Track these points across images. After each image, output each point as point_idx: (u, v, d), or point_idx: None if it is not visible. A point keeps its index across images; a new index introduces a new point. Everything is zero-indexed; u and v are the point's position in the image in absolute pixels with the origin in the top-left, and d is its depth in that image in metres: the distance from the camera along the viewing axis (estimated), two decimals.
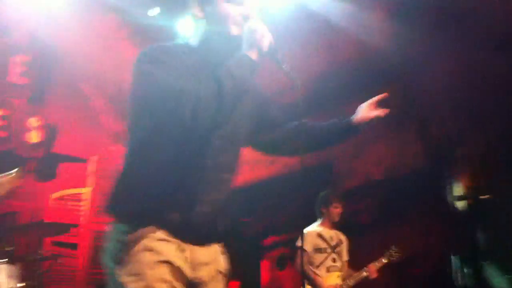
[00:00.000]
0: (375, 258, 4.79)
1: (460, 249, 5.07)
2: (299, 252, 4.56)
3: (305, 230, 4.70)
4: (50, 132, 6.04)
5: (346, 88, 5.95)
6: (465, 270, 4.79)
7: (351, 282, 4.68)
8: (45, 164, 6.00)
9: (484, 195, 4.57)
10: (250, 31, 1.82)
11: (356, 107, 2.32)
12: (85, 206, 6.07)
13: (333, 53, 6.01)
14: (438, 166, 5.81)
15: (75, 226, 5.80)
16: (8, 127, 5.70)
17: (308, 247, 4.64)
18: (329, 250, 4.72)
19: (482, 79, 5.22)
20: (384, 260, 4.78)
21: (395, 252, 4.80)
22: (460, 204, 5.22)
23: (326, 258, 4.68)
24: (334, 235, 4.81)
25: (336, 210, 4.80)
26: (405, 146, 6.04)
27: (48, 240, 5.45)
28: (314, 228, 4.80)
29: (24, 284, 4.29)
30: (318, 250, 4.68)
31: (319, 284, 4.57)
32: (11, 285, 4.27)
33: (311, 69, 5.74)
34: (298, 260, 4.61)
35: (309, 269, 4.61)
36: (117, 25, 6.03)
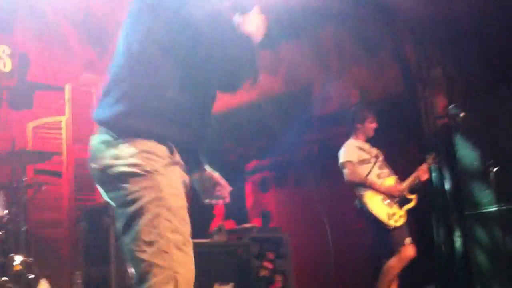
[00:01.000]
0: None
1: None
2: (345, 164, 4.63)
3: (343, 147, 4.75)
4: (22, 60, 5.92)
5: None
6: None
7: (406, 185, 4.69)
8: (20, 93, 5.93)
9: (461, 113, 4.68)
10: None
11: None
12: (64, 134, 6.05)
13: None
14: (413, 88, 5.89)
15: (58, 154, 5.80)
16: None
17: (353, 158, 4.66)
18: (373, 160, 4.72)
19: None
20: (430, 162, 4.83)
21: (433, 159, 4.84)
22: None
23: (372, 166, 4.68)
24: (371, 147, 4.85)
25: (371, 125, 4.81)
26: (381, 69, 6.09)
27: (31, 168, 5.46)
28: (351, 142, 4.80)
29: (7, 211, 4.36)
30: (363, 161, 4.69)
31: (379, 187, 4.59)
32: None
33: None
34: (347, 172, 4.62)
35: (361, 178, 4.61)
36: None
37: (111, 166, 1.74)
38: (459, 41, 5.45)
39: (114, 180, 1.74)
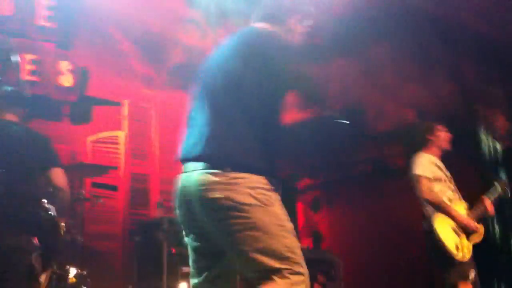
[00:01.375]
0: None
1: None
2: (420, 179, 4.13)
3: (417, 159, 4.25)
4: (82, 76, 6.10)
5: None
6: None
7: (474, 215, 4.19)
8: (80, 108, 6.10)
9: None
10: None
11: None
12: (121, 149, 6.19)
13: None
14: (472, 107, 5.70)
15: (114, 168, 5.93)
16: (39, 72, 5.76)
17: (429, 174, 4.16)
18: (446, 180, 4.28)
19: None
20: (496, 194, 4.32)
21: (503, 185, 4.35)
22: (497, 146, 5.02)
23: (445, 187, 4.23)
24: (443, 165, 4.35)
25: (444, 135, 4.35)
26: (437, 87, 5.94)
27: (88, 181, 5.60)
28: (425, 156, 4.30)
29: (64, 223, 4.47)
30: (437, 178, 4.22)
31: (456, 214, 4.10)
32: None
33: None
34: (422, 188, 4.10)
35: (439, 199, 4.10)
36: None
37: (228, 198, 1.97)
38: None
39: (232, 209, 1.97)
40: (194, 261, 2.18)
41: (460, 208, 4.20)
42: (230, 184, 1.98)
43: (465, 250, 4.04)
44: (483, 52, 5.64)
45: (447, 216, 4.09)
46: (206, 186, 1.99)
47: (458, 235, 4.07)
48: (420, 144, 4.35)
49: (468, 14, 5.31)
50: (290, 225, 2.08)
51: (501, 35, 5.31)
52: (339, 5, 5.91)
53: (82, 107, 6.12)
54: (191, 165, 2.08)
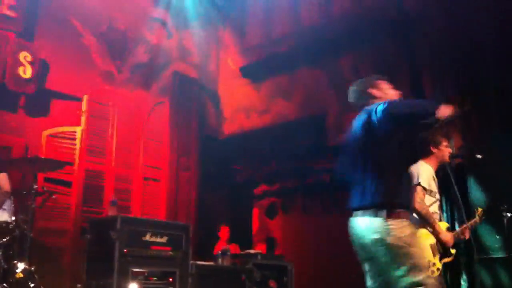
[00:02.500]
0: None
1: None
2: (420, 189, 3.98)
3: (420, 167, 4.13)
4: (42, 68, 5.98)
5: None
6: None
7: (454, 238, 4.12)
8: (37, 100, 5.97)
9: (477, 154, 4.44)
10: None
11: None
12: (77, 144, 6.09)
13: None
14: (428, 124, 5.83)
15: (70, 164, 5.82)
16: None
17: (425, 184, 4.04)
18: (437, 196, 4.17)
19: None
20: (473, 222, 4.29)
21: (482, 214, 4.33)
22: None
23: (434, 203, 4.13)
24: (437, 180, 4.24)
25: (448, 150, 4.26)
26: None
27: (41, 176, 5.48)
28: (426, 166, 4.17)
29: (14, 217, 4.36)
30: (430, 192, 4.10)
31: (440, 231, 4.01)
32: (4, 218, 4.34)
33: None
34: (416, 196, 3.93)
35: (428, 213, 3.97)
36: None
37: (401, 239, 2.65)
38: (476, 78, 5.41)
39: (403, 250, 2.63)
40: None
41: (443, 226, 4.15)
42: None
43: (435, 268, 4.04)
44: (441, 66, 5.78)
45: (429, 230, 4.04)
46: None
47: (434, 254, 4.03)
48: (422, 153, 4.26)
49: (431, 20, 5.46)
50: None
51: (462, 55, 5.47)
52: (309, 16, 5.99)
53: (39, 100, 5.99)
54: None
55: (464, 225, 4.24)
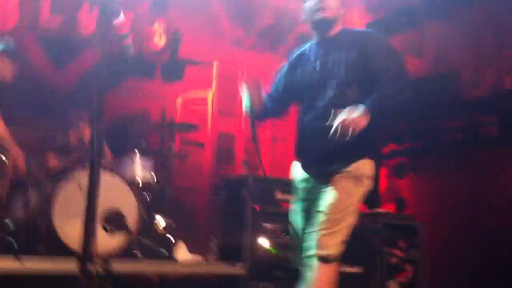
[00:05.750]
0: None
1: None
2: None
3: None
4: (175, 37, 6.27)
5: None
6: None
7: None
8: (172, 67, 6.30)
9: None
10: None
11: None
12: (210, 108, 6.37)
13: None
14: None
15: (202, 126, 6.11)
16: (133, 31, 5.95)
17: None
18: None
19: None
20: None
21: None
22: None
23: None
24: None
25: None
26: None
27: (178, 138, 5.83)
28: None
29: (155, 176, 4.71)
30: None
31: None
32: (146, 176, 4.72)
33: None
34: None
35: None
36: None
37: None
38: None
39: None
40: None
41: None
42: None
43: None
44: None
45: None
46: None
47: None
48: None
49: None
50: None
51: None
52: None
53: (174, 67, 6.32)
54: None
55: None
